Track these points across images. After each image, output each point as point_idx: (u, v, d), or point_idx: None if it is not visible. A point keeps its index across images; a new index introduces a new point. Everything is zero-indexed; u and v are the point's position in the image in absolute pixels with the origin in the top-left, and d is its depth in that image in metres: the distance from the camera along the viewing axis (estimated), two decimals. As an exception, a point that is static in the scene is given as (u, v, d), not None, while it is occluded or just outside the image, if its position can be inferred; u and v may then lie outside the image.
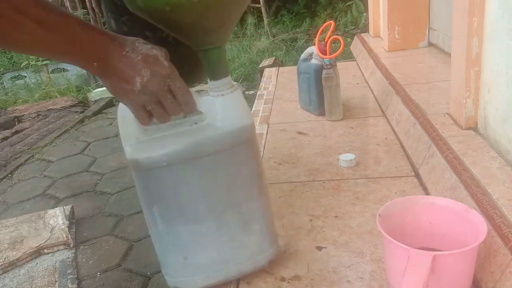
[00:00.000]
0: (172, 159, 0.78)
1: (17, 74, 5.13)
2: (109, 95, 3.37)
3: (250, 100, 2.83)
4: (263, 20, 5.73)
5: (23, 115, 3.71)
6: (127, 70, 0.64)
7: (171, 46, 0.96)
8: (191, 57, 0.95)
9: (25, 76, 4.91)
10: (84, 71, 4.30)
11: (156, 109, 0.69)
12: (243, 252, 0.90)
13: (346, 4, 4.84)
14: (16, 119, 3.62)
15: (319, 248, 1.01)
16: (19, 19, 0.53)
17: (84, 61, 0.62)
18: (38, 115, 3.63)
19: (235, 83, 0.85)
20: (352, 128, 1.67)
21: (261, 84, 2.51)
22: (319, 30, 1.73)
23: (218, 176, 0.83)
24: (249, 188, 0.87)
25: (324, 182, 1.30)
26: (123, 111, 0.76)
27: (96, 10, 1.02)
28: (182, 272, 0.89)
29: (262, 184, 0.90)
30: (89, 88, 4.39)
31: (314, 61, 1.75)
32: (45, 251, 1.48)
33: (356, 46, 2.87)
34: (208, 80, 0.84)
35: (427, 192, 1.16)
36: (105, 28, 0.93)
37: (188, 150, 0.79)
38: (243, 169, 0.85)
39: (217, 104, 0.81)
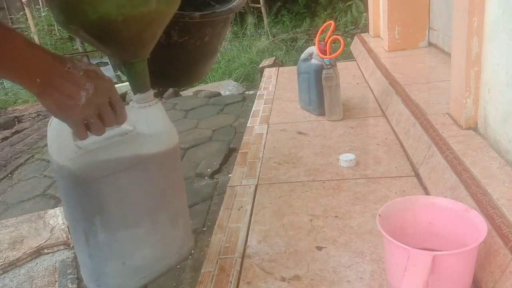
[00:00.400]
0: (113, 168, 0.83)
1: (17, 74, 5.13)
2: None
3: (250, 100, 2.83)
4: (263, 20, 5.73)
5: (23, 115, 3.71)
6: (71, 85, 0.65)
7: (163, 47, 0.97)
8: (182, 60, 0.96)
9: (25, 76, 4.90)
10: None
11: (96, 122, 0.70)
12: (172, 247, 0.97)
13: (346, 4, 4.84)
14: (16, 119, 3.62)
15: (319, 248, 1.01)
16: None
17: (26, 77, 0.62)
18: (38, 115, 3.63)
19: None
20: (352, 128, 1.67)
21: (261, 84, 2.51)
22: (319, 30, 1.73)
23: (152, 179, 0.89)
24: (176, 188, 0.96)
25: (324, 182, 1.30)
26: (55, 126, 0.78)
27: None
28: (121, 278, 0.91)
29: (183, 183, 1.00)
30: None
31: (314, 61, 1.75)
32: (45, 251, 1.48)
33: (356, 46, 2.87)
34: (132, 94, 0.88)
35: (427, 192, 1.16)
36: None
37: (126, 158, 0.84)
38: (171, 171, 0.93)
39: (146, 114, 0.87)
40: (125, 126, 0.81)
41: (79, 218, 0.85)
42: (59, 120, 0.70)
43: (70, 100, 0.65)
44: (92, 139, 0.78)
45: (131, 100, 0.88)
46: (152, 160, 0.87)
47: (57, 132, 0.78)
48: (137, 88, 0.87)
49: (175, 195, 0.97)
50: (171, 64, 0.91)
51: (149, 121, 0.87)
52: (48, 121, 0.79)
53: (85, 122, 0.69)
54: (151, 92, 0.88)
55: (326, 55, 1.63)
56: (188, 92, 3.57)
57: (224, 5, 1.17)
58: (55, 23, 6.26)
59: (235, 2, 1.12)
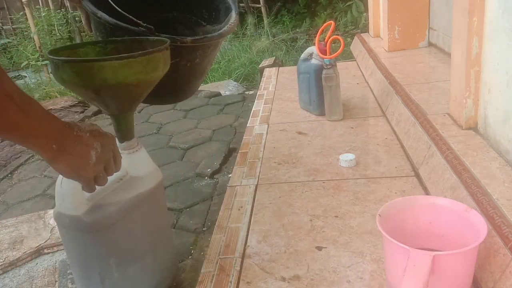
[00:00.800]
0: (122, 212, 0.92)
1: (17, 74, 5.13)
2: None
3: (250, 100, 2.83)
4: (263, 20, 5.72)
5: (23, 115, 3.70)
6: (82, 147, 0.71)
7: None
8: (171, 80, 0.99)
9: (25, 76, 4.90)
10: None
11: (102, 177, 0.77)
12: (167, 271, 1.10)
13: (346, 4, 4.84)
14: (16, 119, 3.61)
15: (319, 248, 1.01)
16: (6, 103, 0.58)
17: (44, 143, 0.66)
18: (38, 115, 3.62)
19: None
20: (352, 128, 1.67)
21: (261, 84, 2.51)
22: (319, 30, 1.73)
23: (149, 213, 1.00)
24: (165, 216, 1.11)
25: (324, 182, 1.30)
26: (66, 182, 0.84)
27: (86, 28, 1.06)
28: None
29: (166, 210, 1.15)
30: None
31: (314, 61, 1.75)
32: (45, 251, 1.48)
33: (356, 46, 2.87)
34: (119, 143, 0.95)
35: (427, 192, 1.16)
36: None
37: (129, 201, 0.93)
38: (161, 202, 1.07)
39: (134, 159, 0.97)
40: (118, 173, 0.87)
41: (93, 264, 0.93)
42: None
43: (82, 160, 0.71)
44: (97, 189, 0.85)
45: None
46: (147, 197, 0.98)
47: (70, 188, 0.85)
48: (125, 137, 0.96)
49: (166, 223, 1.11)
50: (160, 83, 0.94)
51: (137, 164, 0.97)
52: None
53: (94, 177, 0.76)
54: (135, 139, 0.98)
55: (326, 55, 1.63)
56: (188, 92, 3.57)
57: (214, 25, 1.19)
58: (57, 22, 6.27)
59: (226, 27, 1.14)
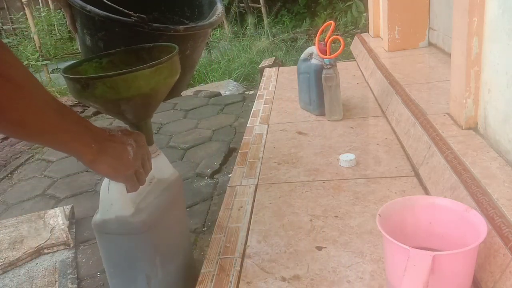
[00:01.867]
0: (163, 212, 0.97)
1: (17, 74, 5.13)
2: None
3: (250, 100, 2.83)
4: (263, 20, 5.72)
5: (23, 115, 3.70)
6: (119, 145, 0.73)
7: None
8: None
9: (25, 76, 4.90)
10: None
11: (142, 173, 0.80)
12: (194, 268, 1.13)
13: (346, 4, 4.84)
14: (16, 119, 3.61)
15: (319, 248, 1.01)
16: (45, 109, 0.60)
17: (82, 145, 0.68)
18: (38, 115, 3.62)
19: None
20: (352, 128, 1.67)
21: (261, 84, 2.51)
22: (319, 30, 1.73)
23: (180, 213, 1.08)
24: (186, 216, 1.20)
25: (324, 182, 1.30)
26: (114, 187, 0.87)
27: (70, 28, 1.05)
28: None
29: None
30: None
31: (314, 61, 1.75)
32: (45, 251, 1.48)
33: (356, 46, 2.87)
34: None
35: (427, 192, 1.16)
36: (79, 46, 1.09)
37: (167, 201, 0.99)
38: (184, 202, 1.15)
39: (159, 162, 1.00)
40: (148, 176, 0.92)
41: (140, 265, 0.96)
42: (113, 182, 0.80)
43: (121, 157, 0.74)
44: (133, 194, 0.90)
45: None
46: (176, 196, 1.04)
47: (118, 193, 0.87)
48: (151, 140, 0.99)
49: (186, 222, 1.19)
50: None
51: (160, 168, 1.01)
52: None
53: (136, 174, 0.78)
54: (155, 144, 1.01)
55: (326, 55, 1.63)
56: (188, 92, 3.57)
57: (198, 22, 1.20)
58: (57, 22, 6.27)
59: (214, 17, 1.15)
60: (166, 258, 0.99)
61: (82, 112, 3.55)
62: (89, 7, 1.00)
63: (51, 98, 0.62)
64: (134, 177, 0.78)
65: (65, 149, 0.67)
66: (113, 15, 0.99)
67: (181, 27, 1.03)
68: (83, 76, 0.87)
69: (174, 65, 0.92)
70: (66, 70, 0.95)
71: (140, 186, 0.82)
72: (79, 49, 1.19)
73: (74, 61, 1.02)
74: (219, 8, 1.19)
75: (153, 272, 0.97)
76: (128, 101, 0.88)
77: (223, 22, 5.90)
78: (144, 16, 0.99)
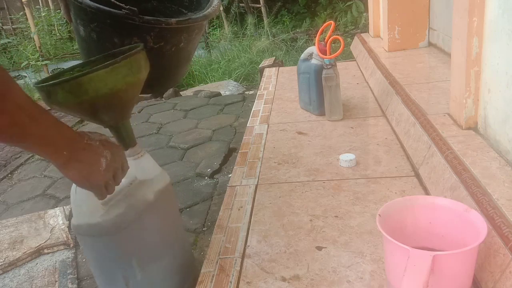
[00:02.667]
0: (138, 213, 0.96)
1: (17, 74, 5.13)
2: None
3: (250, 100, 2.83)
4: (263, 20, 5.73)
5: (23, 115, 3.70)
6: (93, 154, 0.74)
7: None
8: (157, 66, 1.00)
9: (25, 76, 4.90)
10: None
11: (111, 184, 0.80)
12: (187, 272, 1.12)
13: (346, 4, 4.84)
14: (16, 119, 3.61)
15: (319, 248, 1.01)
16: (17, 114, 0.61)
17: (54, 151, 0.69)
18: (38, 115, 3.62)
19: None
20: (352, 128, 1.67)
21: (261, 84, 2.51)
22: (319, 30, 1.73)
23: (163, 214, 1.04)
24: (178, 217, 1.16)
25: (324, 182, 1.30)
26: (81, 191, 0.85)
27: (65, 17, 1.06)
28: None
29: (179, 212, 1.22)
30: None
31: (314, 61, 1.75)
32: (45, 251, 1.48)
33: (356, 46, 2.87)
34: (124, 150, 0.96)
35: (427, 192, 1.16)
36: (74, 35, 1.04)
37: (143, 202, 0.97)
38: (173, 204, 1.11)
39: (140, 164, 0.99)
40: (128, 178, 0.92)
41: (116, 266, 0.96)
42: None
43: (92, 167, 0.74)
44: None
45: None
46: (158, 198, 1.00)
47: (84, 195, 0.86)
48: (128, 144, 0.97)
49: (179, 223, 1.14)
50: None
51: (144, 169, 1.00)
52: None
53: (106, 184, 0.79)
54: (138, 144, 0.99)
55: (326, 55, 1.63)
56: (188, 92, 3.57)
57: (196, 13, 1.19)
58: (57, 22, 6.26)
59: (209, 9, 1.14)
60: (145, 260, 0.98)
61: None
62: None
63: (25, 101, 0.62)
64: (102, 187, 0.78)
65: (37, 152, 0.70)
66: (103, 7, 0.98)
67: (172, 20, 1.02)
68: (44, 84, 0.85)
69: (135, 63, 0.89)
70: (45, 80, 0.93)
71: (117, 187, 0.83)
72: (76, 40, 1.19)
73: (56, 73, 1.01)
74: (215, 0, 1.18)
75: (130, 273, 0.97)
76: (91, 104, 0.86)
77: (223, 22, 5.90)
78: (135, 8, 0.98)
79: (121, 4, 0.97)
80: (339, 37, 1.66)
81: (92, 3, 0.98)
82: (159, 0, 1.29)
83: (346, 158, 1.38)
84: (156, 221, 1.01)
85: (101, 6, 0.98)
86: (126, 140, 0.97)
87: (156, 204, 1.00)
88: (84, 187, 0.77)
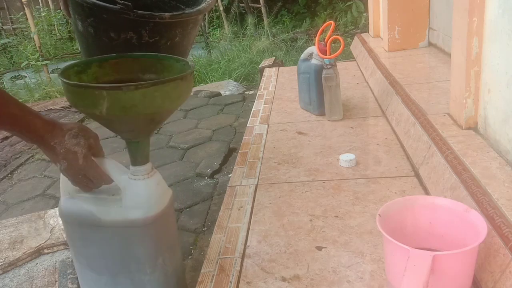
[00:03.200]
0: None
1: (17, 74, 5.13)
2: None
3: (250, 100, 2.83)
4: (263, 20, 5.72)
5: (23, 115, 3.69)
6: (52, 156, 0.82)
7: (134, 47, 1.01)
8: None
9: (25, 76, 4.90)
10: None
11: (79, 183, 0.88)
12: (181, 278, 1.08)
13: (346, 4, 4.84)
14: (16, 119, 3.60)
15: (319, 248, 1.01)
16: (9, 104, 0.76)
17: (25, 139, 0.81)
18: (38, 115, 3.62)
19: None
20: (352, 128, 1.67)
21: (261, 84, 2.51)
22: (319, 30, 1.73)
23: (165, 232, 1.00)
24: (175, 233, 1.08)
25: (324, 182, 1.30)
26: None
27: (64, 13, 1.06)
28: None
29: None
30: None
31: (314, 61, 1.75)
32: (45, 251, 1.48)
33: (356, 46, 2.87)
34: (133, 167, 0.93)
35: (427, 192, 1.16)
36: (72, 29, 1.05)
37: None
38: (172, 224, 1.06)
39: (150, 184, 0.92)
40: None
41: (145, 261, 0.95)
42: None
43: (54, 163, 0.84)
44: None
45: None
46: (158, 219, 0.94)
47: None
48: (137, 161, 0.92)
49: (177, 240, 1.08)
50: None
51: (148, 191, 0.93)
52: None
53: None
54: (150, 164, 0.94)
55: (326, 55, 1.63)
56: (188, 92, 3.57)
57: (194, 8, 1.19)
58: (57, 22, 6.25)
59: (204, 4, 1.14)
60: (171, 255, 0.99)
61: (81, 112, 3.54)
62: None
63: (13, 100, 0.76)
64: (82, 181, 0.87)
65: (20, 136, 0.80)
66: (99, 2, 0.99)
67: (167, 14, 1.02)
68: (101, 85, 0.84)
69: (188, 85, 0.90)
70: (66, 71, 0.92)
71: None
72: (75, 35, 1.19)
73: (73, 63, 0.98)
74: None
75: (156, 269, 0.96)
76: (129, 118, 0.85)
77: (223, 22, 5.90)
78: (130, 3, 0.98)
79: None
80: (339, 37, 1.66)
81: None
82: None
83: (346, 158, 1.38)
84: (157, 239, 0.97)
85: (97, 1, 0.99)
86: (137, 157, 0.92)
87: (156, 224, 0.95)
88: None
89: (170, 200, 0.96)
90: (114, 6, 0.98)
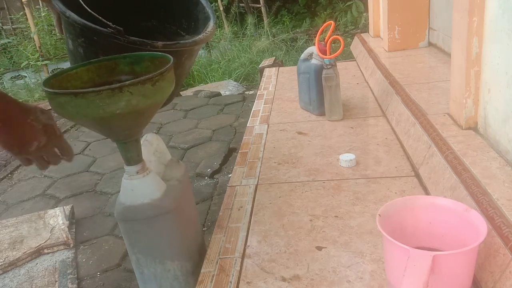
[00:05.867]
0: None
1: (17, 74, 5.13)
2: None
3: (250, 100, 2.83)
4: (263, 20, 5.73)
5: (23, 115, 3.70)
6: (28, 135, 0.75)
7: None
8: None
9: (25, 76, 4.91)
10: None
11: (38, 161, 0.82)
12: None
13: (346, 4, 4.84)
14: (16, 119, 3.61)
15: (319, 248, 1.01)
16: None
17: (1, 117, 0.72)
18: (38, 115, 3.62)
19: None
20: (352, 128, 1.67)
21: (261, 84, 2.51)
22: (319, 30, 1.73)
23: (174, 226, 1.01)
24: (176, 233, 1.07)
25: (324, 182, 1.30)
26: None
27: (57, 30, 1.06)
28: None
29: None
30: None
31: (314, 61, 1.75)
32: (45, 251, 1.48)
33: (356, 46, 2.87)
34: (127, 167, 0.94)
35: (427, 192, 1.16)
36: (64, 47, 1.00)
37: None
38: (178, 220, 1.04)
39: (147, 182, 0.94)
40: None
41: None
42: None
43: (22, 145, 0.76)
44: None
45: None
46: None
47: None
48: (130, 162, 0.92)
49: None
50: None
51: (146, 189, 0.95)
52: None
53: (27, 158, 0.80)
54: (144, 164, 0.94)
55: (326, 55, 1.63)
56: (188, 92, 3.57)
57: (193, 36, 1.15)
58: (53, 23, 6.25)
59: (201, 35, 1.10)
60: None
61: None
62: (68, 12, 0.97)
63: None
64: (24, 160, 0.81)
65: None
66: (90, 24, 0.96)
67: (159, 43, 0.98)
68: (58, 91, 0.82)
69: (169, 80, 0.88)
70: (51, 79, 0.89)
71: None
72: (67, 50, 1.17)
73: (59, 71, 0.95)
74: (210, 26, 1.14)
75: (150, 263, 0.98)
76: (107, 120, 0.84)
77: (223, 22, 5.90)
78: (121, 28, 0.95)
79: (108, 22, 0.95)
80: (339, 37, 1.66)
81: (78, 19, 0.96)
82: (158, 20, 1.27)
83: (346, 158, 1.38)
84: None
85: (87, 23, 0.96)
86: (129, 158, 0.92)
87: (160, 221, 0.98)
88: (8, 151, 0.81)
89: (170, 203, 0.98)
90: (105, 30, 0.95)
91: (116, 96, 0.77)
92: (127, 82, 0.78)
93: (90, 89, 0.77)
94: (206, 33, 1.11)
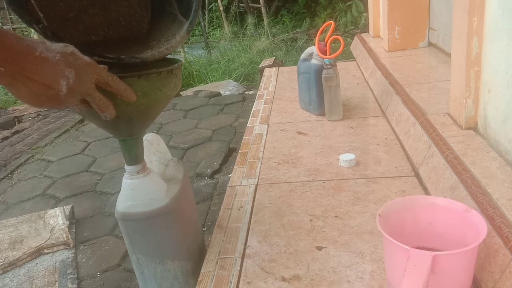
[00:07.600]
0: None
1: (17, 74, 5.13)
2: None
3: (250, 100, 2.83)
4: (263, 20, 5.73)
5: (23, 115, 3.71)
6: (48, 72, 0.54)
7: (113, 66, 0.87)
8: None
9: (25, 76, 4.91)
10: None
11: (85, 110, 0.64)
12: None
13: (346, 4, 4.84)
14: (16, 119, 3.62)
15: (319, 248, 1.01)
16: None
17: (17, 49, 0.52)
18: (38, 115, 3.63)
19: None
20: (352, 128, 1.67)
21: (261, 84, 2.51)
22: (319, 30, 1.73)
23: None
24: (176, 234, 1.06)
25: (324, 182, 1.30)
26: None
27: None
28: None
29: None
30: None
31: (314, 61, 1.75)
32: (45, 251, 1.48)
33: (356, 46, 2.87)
34: (128, 166, 0.91)
35: (427, 192, 1.16)
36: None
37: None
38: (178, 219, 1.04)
39: (147, 182, 0.93)
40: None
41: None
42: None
43: (48, 90, 0.55)
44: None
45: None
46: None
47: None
48: (131, 161, 0.91)
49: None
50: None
51: (146, 190, 0.94)
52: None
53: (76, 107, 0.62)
54: (144, 164, 0.93)
55: (326, 55, 1.63)
56: (188, 92, 3.58)
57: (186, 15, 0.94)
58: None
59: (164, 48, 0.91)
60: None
61: (82, 112, 3.54)
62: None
63: None
64: (71, 109, 0.63)
65: None
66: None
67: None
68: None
69: (178, 77, 0.87)
70: None
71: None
72: None
73: None
74: (183, 30, 0.87)
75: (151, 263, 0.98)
76: (136, 111, 0.82)
77: (223, 22, 5.90)
78: (122, 57, 0.82)
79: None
80: (339, 37, 1.66)
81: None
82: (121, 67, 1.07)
83: (346, 158, 1.38)
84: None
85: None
86: (135, 155, 0.91)
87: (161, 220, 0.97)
88: (40, 108, 0.64)
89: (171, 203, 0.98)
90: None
91: (170, 77, 0.79)
92: (176, 65, 0.81)
93: (153, 70, 0.76)
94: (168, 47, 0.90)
